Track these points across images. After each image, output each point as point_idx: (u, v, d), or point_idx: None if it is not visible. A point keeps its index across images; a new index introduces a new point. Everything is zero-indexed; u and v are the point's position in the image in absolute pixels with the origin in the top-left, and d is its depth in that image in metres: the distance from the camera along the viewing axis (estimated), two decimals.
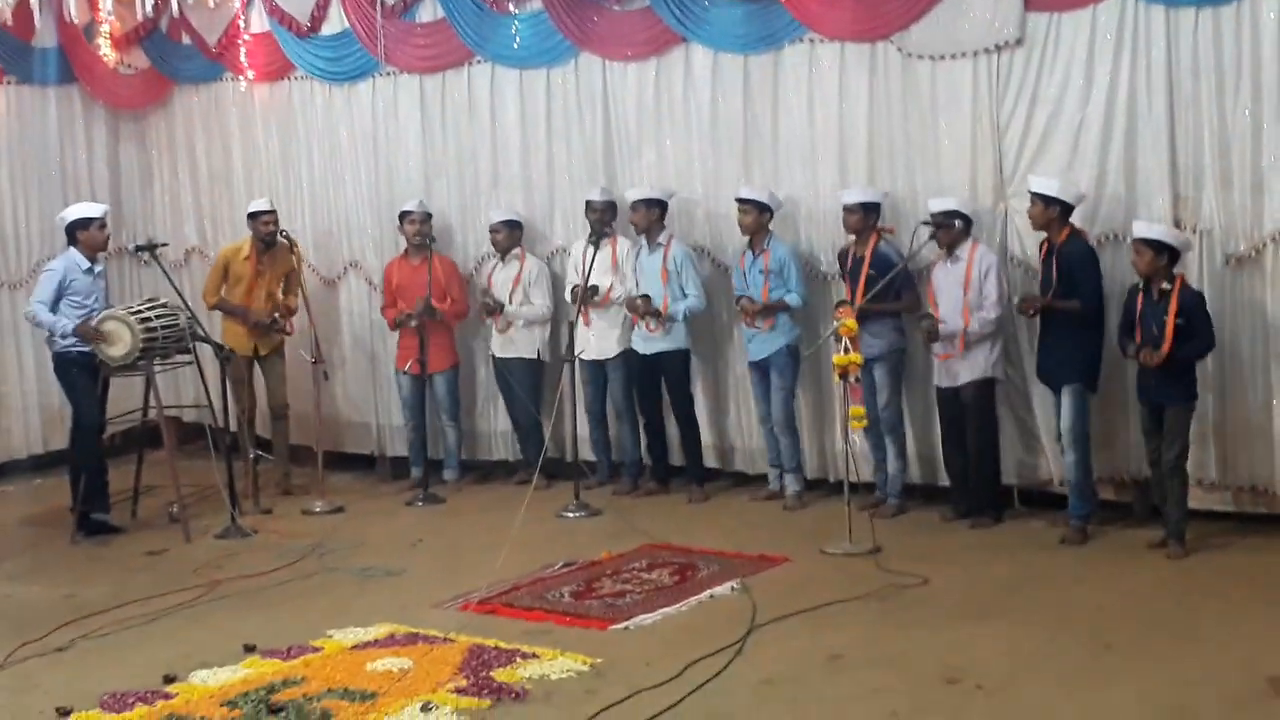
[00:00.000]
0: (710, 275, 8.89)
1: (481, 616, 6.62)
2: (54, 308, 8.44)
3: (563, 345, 8.93)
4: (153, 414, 8.75)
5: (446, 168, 9.74)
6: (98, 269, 8.65)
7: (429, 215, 9.36)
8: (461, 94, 9.62)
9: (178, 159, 11.01)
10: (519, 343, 9.24)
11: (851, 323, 7.52)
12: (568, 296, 9.04)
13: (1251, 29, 7.12)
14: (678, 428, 8.92)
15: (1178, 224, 7.33)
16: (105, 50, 10.80)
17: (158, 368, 8.63)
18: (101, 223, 8.70)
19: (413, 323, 9.12)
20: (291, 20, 10.07)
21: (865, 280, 7.88)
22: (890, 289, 7.84)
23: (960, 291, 7.65)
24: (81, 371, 8.53)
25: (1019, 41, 7.72)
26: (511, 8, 9.24)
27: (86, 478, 8.53)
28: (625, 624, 6.43)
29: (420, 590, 7.11)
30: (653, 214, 8.68)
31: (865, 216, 8.00)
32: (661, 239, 8.71)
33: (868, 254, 7.97)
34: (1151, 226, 7.05)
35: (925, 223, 7.68)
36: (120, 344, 8.28)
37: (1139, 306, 7.05)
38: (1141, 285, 7.06)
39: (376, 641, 6.29)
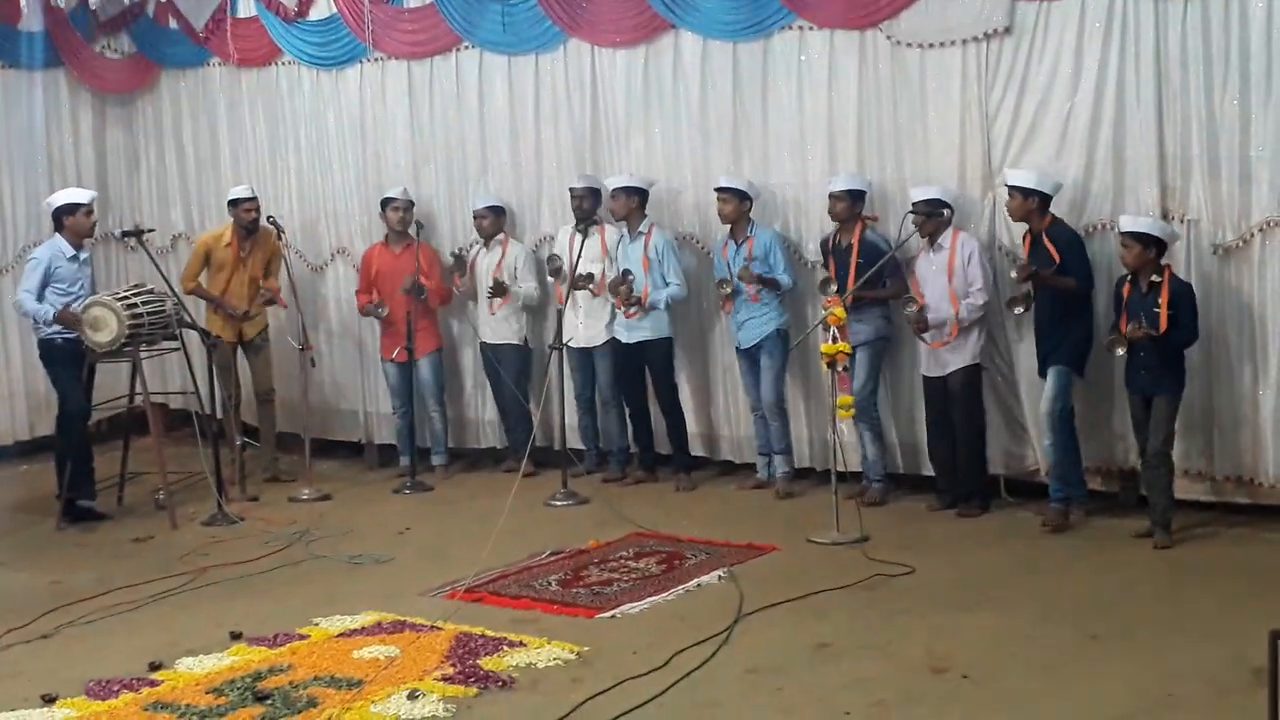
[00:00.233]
0: (696, 263, 8.89)
1: (469, 605, 6.61)
2: (40, 295, 8.41)
3: (549, 332, 8.93)
4: (139, 400, 8.72)
5: (434, 154, 9.71)
6: (83, 255, 8.62)
7: (412, 203, 9.34)
8: (450, 80, 9.58)
9: (164, 144, 10.96)
10: (506, 329, 9.22)
11: (840, 311, 7.52)
12: (550, 277, 9.02)
13: (1240, 19, 7.12)
14: (662, 416, 8.92)
15: (1165, 214, 7.33)
16: (91, 35, 10.72)
17: (144, 354, 8.61)
18: (88, 209, 8.66)
19: (381, 312, 9.10)
20: (279, 5, 10.02)
21: (855, 268, 7.87)
22: (878, 277, 7.84)
23: (945, 279, 7.66)
24: (67, 358, 8.50)
25: (1008, 30, 7.71)
26: None
27: (72, 464, 8.51)
28: (612, 613, 6.43)
29: (407, 578, 7.11)
30: (632, 202, 8.67)
31: (852, 204, 8.00)
32: (643, 227, 8.70)
33: (855, 242, 7.97)
34: (1138, 220, 7.06)
35: (911, 212, 7.67)
36: (106, 330, 8.25)
37: (1126, 297, 7.06)
38: (1129, 277, 7.06)
39: (363, 629, 6.29)
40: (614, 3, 8.89)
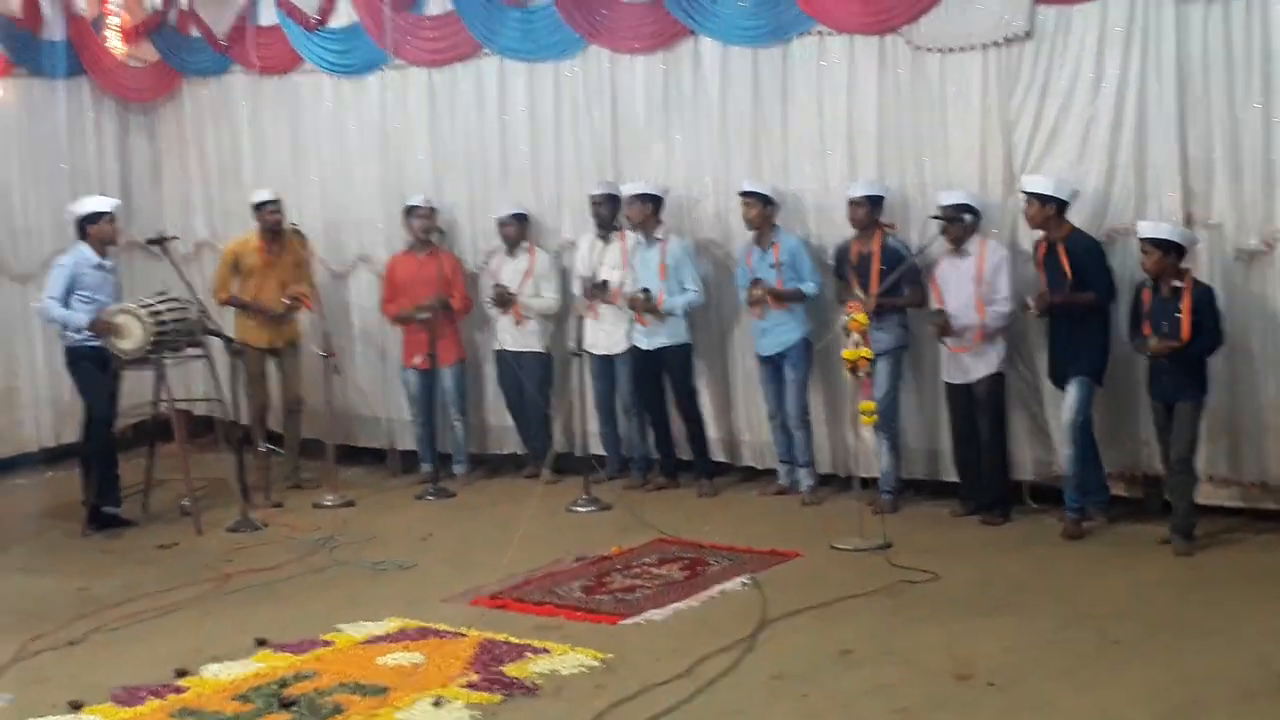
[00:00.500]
0: (716, 269, 8.90)
1: (492, 611, 6.63)
2: (65, 302, 8.46)
3: (570, 339, 8.95)
4: (163, 407, 8.76)
5: (455, 161, 9.74)
6: (108, 263, 8.67)
7: (434, 210, 9.36)
8: (470, 87, 9.62)
9: (187, 152, 11.02)
10: (529, 336, 9.24)
11: (862, 317, 7.51)
12: (575, 290, 9.05)
13: (1261, 22, 7.11)
14: (683, 422, 8.93)
15: (1188, 219, 7.32)
16: (114, 43, 10.82)
17: (168, 361, 8.64)
18: (112, 217, 8.72)
19: (421, 315, 9.13)
20: (300, 13, 10.07)
21: (878, 275, 7.86)
22: (897, 284, 7.83)
23: (972, 286, 7.63)
24: (93, 365, 8.55)
25: (1028, 35, 7.71)
26: (520, 0, 9.23)
27: (98, 471, 8.56)
28: (636, 619, 6.44)
29: (431, 584, 7.13)
30: (647, 209, 8.68)
31: (871, 209, 7.99)
32: (659, 234, 8.72)
33: (876, 249, 7.96)
34: (1157, 226, 7.02)
35: (936, 217, 7.66)
36: (131, 337, 8.29)
37: (1147, 303, 7.04)
38: (1150, 282, 7.04)
39: (388, 636, 6.31)
40: (633, 9, 8.92)
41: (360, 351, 10.20)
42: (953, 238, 7.66)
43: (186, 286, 8.84)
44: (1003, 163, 7.83)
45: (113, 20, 10.77)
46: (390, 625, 6.43)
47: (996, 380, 7.71)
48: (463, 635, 6.24)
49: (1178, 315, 6.89)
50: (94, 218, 8.63)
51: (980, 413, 7.75)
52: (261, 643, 6.24)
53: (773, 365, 8.46)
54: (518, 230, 9.21)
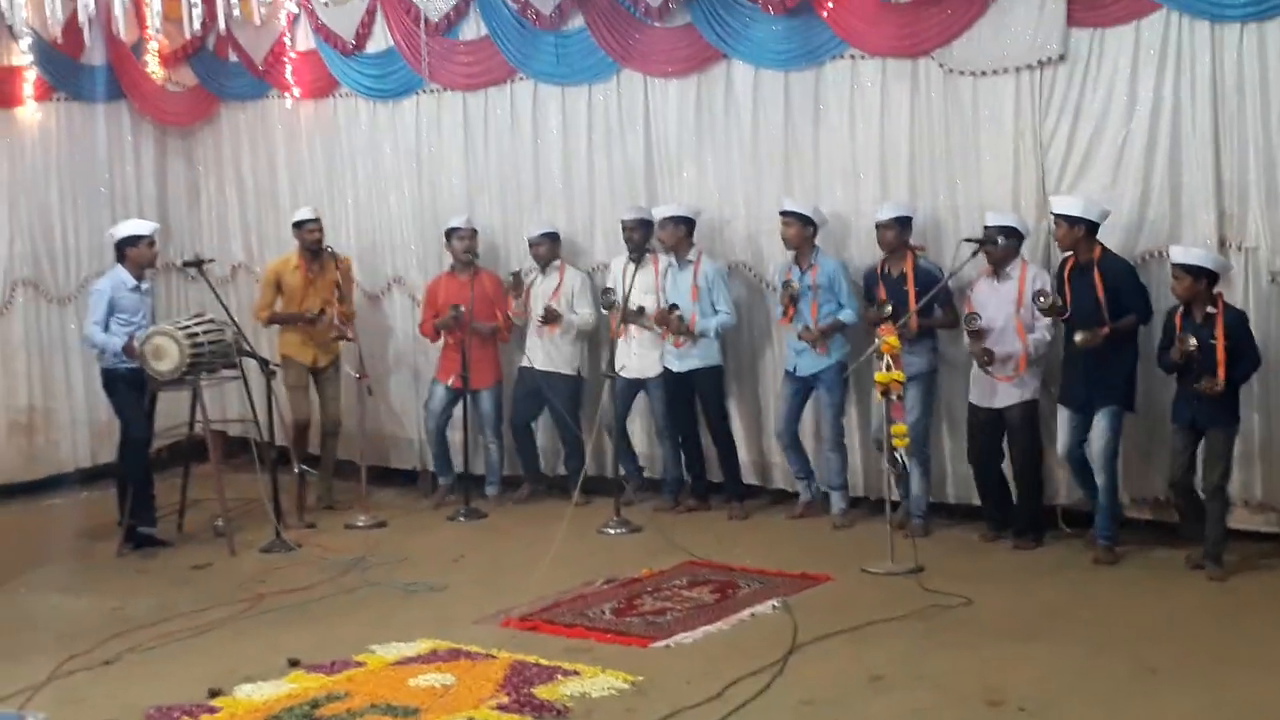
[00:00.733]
0: (747, 292, 8.90)
1: (523, 633, 6.65)
2: (106, 326, 8.55)
3: (602, 361, 8.98)
4: (199, 428, 8.83)
5: (489, 184, 9.79)
6: (144, 286, 8.75)
7: (475, 231, 9.41)
8: (504, 111, 9.67)
9: (224, 176, 11.13)
10: (560, 357, 9.26)
11: (894, 340, 7.49)
12: (604, 311, 9.07)
13: None
14: (714, 444, 8.92)
15: (1223, 241, 7.28)
16: (153, 68, 10.95)
17: (204, 382, 8.70)
18: (150, 240, 8.80)
19: (460, 309, 9.07)
20: (337, 38, 10.16)
21: (914, 297, 7.84)
22: (930, 306, 7.81)
23: (1012, 310, 7.58)
24: (129, 386, 8.63)
25: (1062, 57, 7.69)
26: (554, 25, 9.29)
27: (133, 491, 8.63)
28: (666, 642, 6.44)
29: (462, 606, 7.15)
30: (680, 231, 8.70)
31: (900, 232, 7.98)
32: (691, 256, 8.73)
33: (909, 271, 7.95)
34: (1188, 251, 6.96)
35: (968, 239, 7.64)
36: (168, 359, 8.36)
37: (1179, 327, 6.98)
38: (1182, 307, 6.98)
39: (419, 657, 6.33)
40: (666, 33, 8.96)
41: (394, 373, 10.25)
42: (994, 260, 7.61)
43: (223, 308, 8.92)
44: (1036, 186, 7.81)
45: (152, 45, 10.88)
46: (422, 646, 6.45)
47: (1030, 407, 7.65)
48: (494, 657, 6.25)
49: (1212, 342, 6.81)
50: (132, 241, 8.72)
51: (1013, 439, 7.71)
52: (294, 663, 6.27)
53: (802, 384, 8.44)
54: (549, 249, 9.24)
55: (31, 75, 10.38)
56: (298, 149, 10.65)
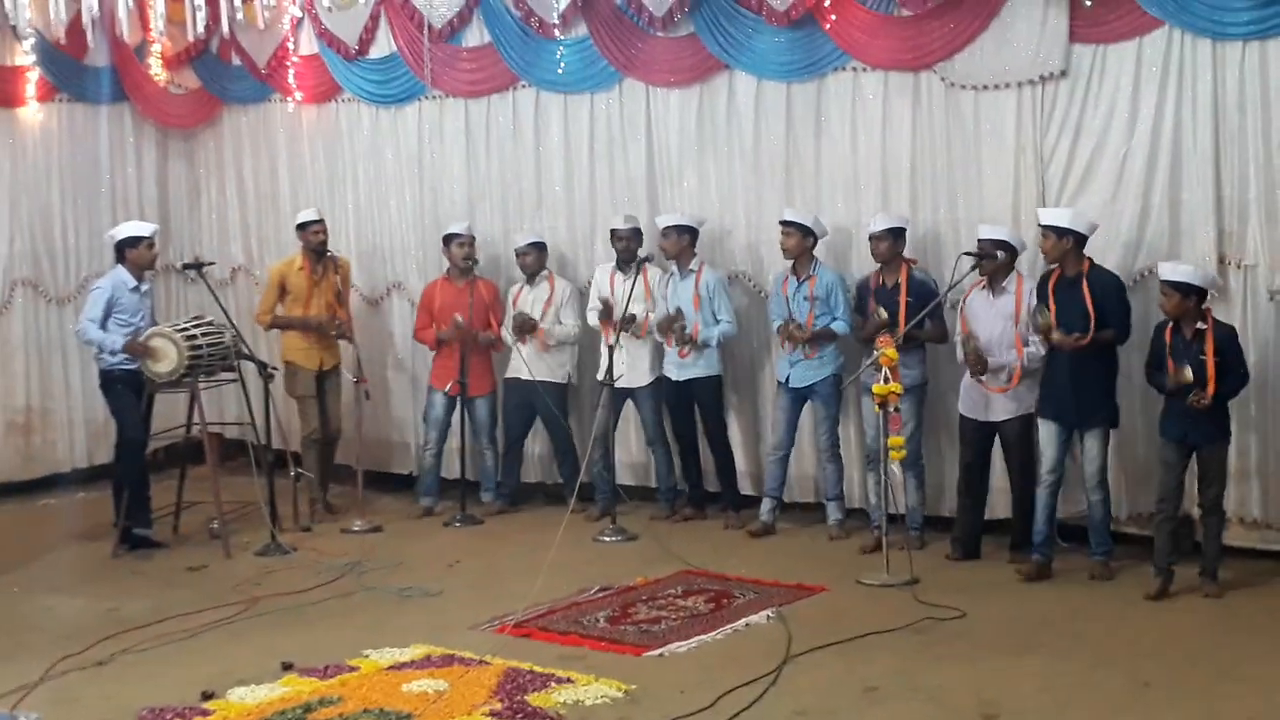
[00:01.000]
0: (748, 302, 8.91)
1: (517, 640, 6.64)
2: (102, 325, 8.55)
3: (590, 371, 9.03)
4: (196, 430, 8.83)
5: (490, 191, 9.81)
6: (144, 287, 8.76)
7: (474, 238, 9.41)
8: (506, 118, 9.69)
9: (225, 178, 11.14)
10: (549, 366, 9.25)
11: (892, 352, 7.49)
12: (590, 320, 9.06)
13: None
14: (711, 454, 8.92)
15: (1222, 259, 7.29)
16: (156, 70, 10.97)
17: (202, 384, 8.71)
18: (150, 242, 8.81)
19: (460, 319, 9.08)
20: (340, 43, 10.18)
21: (906, 308, 7.86)
22: (923, 319, 7.81)
23: (1009, 324, 7.59)
24: (126, 388, 8.63)
25: (1063, 73, 7.71)
26: (557, 33, 9.31)
27: (129, 492, 8.63)
28: (660, 651, 6.43)
29: (457, 612, 7.14)
30: (683, 240, 8.71)
31: (894, 243, 7.98)
32: (693, 265, 8.74)
33: (903, 282, 7.95)
34: (1176, 268, 6.94)
35: (967, 253, 7.64)
36: (166, 361, 8.37)
37: (1169, 343, 6.96)
38: (1171, 323, 6.97)
39: (413, 662, 6.32)
40: (669, 43, 8.97)
41: (392, 378, 10.25)
42: (988, 273, 7.62)
43: (222, 311, 8.92)
44: (1036, 201, 7.81)
45: (155, 48, 10.92)
46: (415, 652, 6.45)
47: (1027, 421, 7.63)
48: (487, 663, 6.25)
49: (1202, 358, 6.80)
50: (133, 242, 8.73)
51: (1009, 453, 7.71)
52: (288, 667, 6.27)
53: (796, 397, 8.44)
54: (536, 259, 9.24)
55: (34, 76, 10.42)
56: (299, 153, 10.67)
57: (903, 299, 7.90)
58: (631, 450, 9.37)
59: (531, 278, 9.27)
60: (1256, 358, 7.20)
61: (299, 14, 10.33)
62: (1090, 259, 7.29)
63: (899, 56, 8.20)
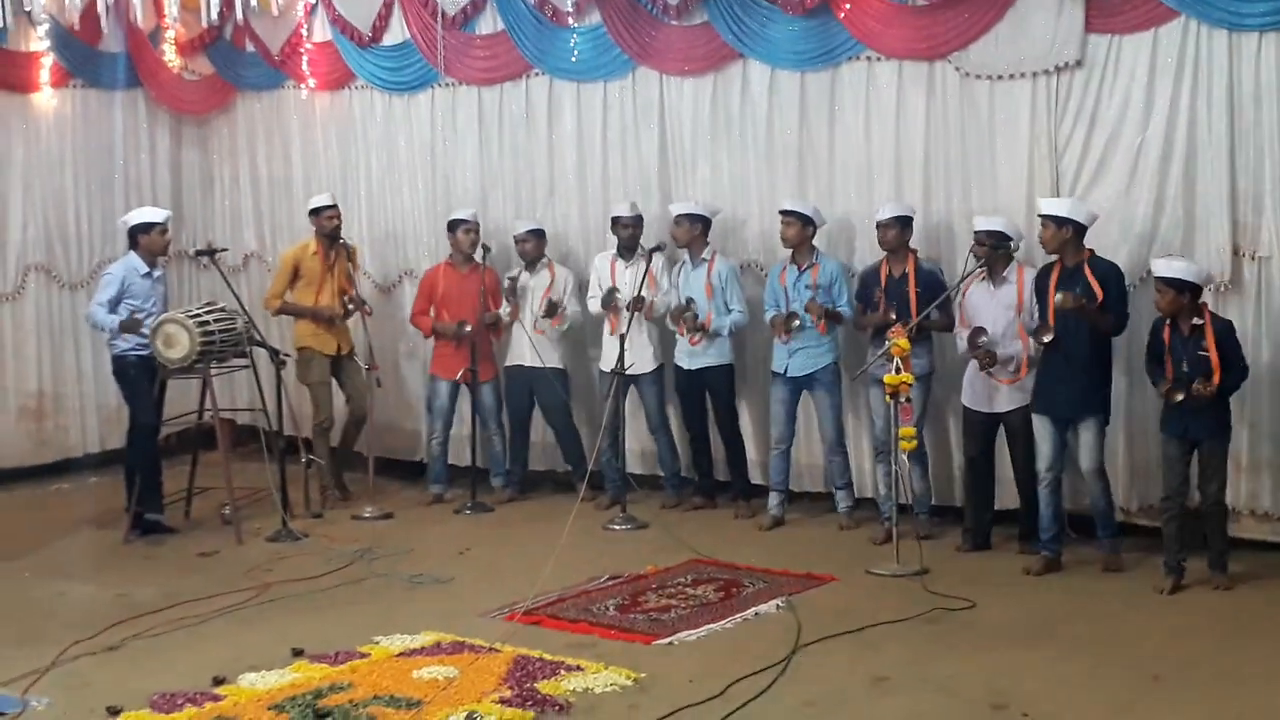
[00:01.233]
0: (760, 291, 8.89)
1: (527, 627, 6.65)
2: (113, 310, 8.56)
3: (588, 357, 9.07)
4: (208, 416, 8.86)
5: (503, 179, 9.81)
6: (156, 273, 8.77)
7: (479, 224, 9.41)
8: (519, 106, 9.68)
9: (239, 165, 11.15)
10: (548, 353, 9.23)
11: (904, 342, 7.47)
12: (592, 308, 9.06)
13: None
14: (722, 443, 8.92)
15: (1236, 250, 7.26)
16: (170, 56, 10.98)
17: (214, 371, 8.73)
18: (163, 228, 8.82)
19: (466, 328, 9.14)
20: (353, 30, 10.17)
21: (916, 298, 7.83)
22: (925, 307, 7.78)
23: (1012, 314, 7.56)
24: (139, 373, 8.65)
25: (1079, 63, 7.68)
26: (571, 21, 9.30)
27: (141, 478, 8.65)
28: (670, 639, 6.44)
29: (467, 599, 7.16)
30: (695, 229, 8.70)
31: (901, 231, 7.96)
32: (705, 254, 8.73)
33: (911, 272, 7.93)
34: (1170, 264, 6.89)
35: (980, 243, 7.61)
36: (179, 347, 8.39)
37: (1166, 341, 6.92)
38: (1168, 320, 6.93)
39: (423, 649, 6.34)
40: (682, 32, 8.95)
41: (404, 365, 10.26)
42: (988, 262, 7.57)
43: (234, 297, 8.94)
44: (1050, 191, 7.77)
45: (169, 34, 10.93)
46: (425, 639, 6.46)
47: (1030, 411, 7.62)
48: (497, 651, 6.26)
49: (1201, 354, 6.76)
50: (145, 228, 8.74)
51: (1014, 443, 7.68)
52: (298, 653, 6.29)
53: (794, 387, 8.41)
54: (535, 246, 9.22)
55: (49, 61, 10.42)
56: (312, 140, 10.67)
57: (912, 289, 7.88)
58: (642, 439, 9.37)
59: (531, 265, 9.26)
60: (1270, 350, 7.18)
61: (312, 1, 10.32)
62: (1091, 249, 7.25)
63: (913, 46, 8.17)
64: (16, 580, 7.81)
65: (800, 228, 8.26)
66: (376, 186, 10.36)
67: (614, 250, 8.99)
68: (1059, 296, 7.10)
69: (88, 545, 8.63)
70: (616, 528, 8.54)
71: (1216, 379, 6.72)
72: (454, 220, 9.41)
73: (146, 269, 8.69)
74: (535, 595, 7.00)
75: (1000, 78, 7.93)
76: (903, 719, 5.42)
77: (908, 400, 7.55)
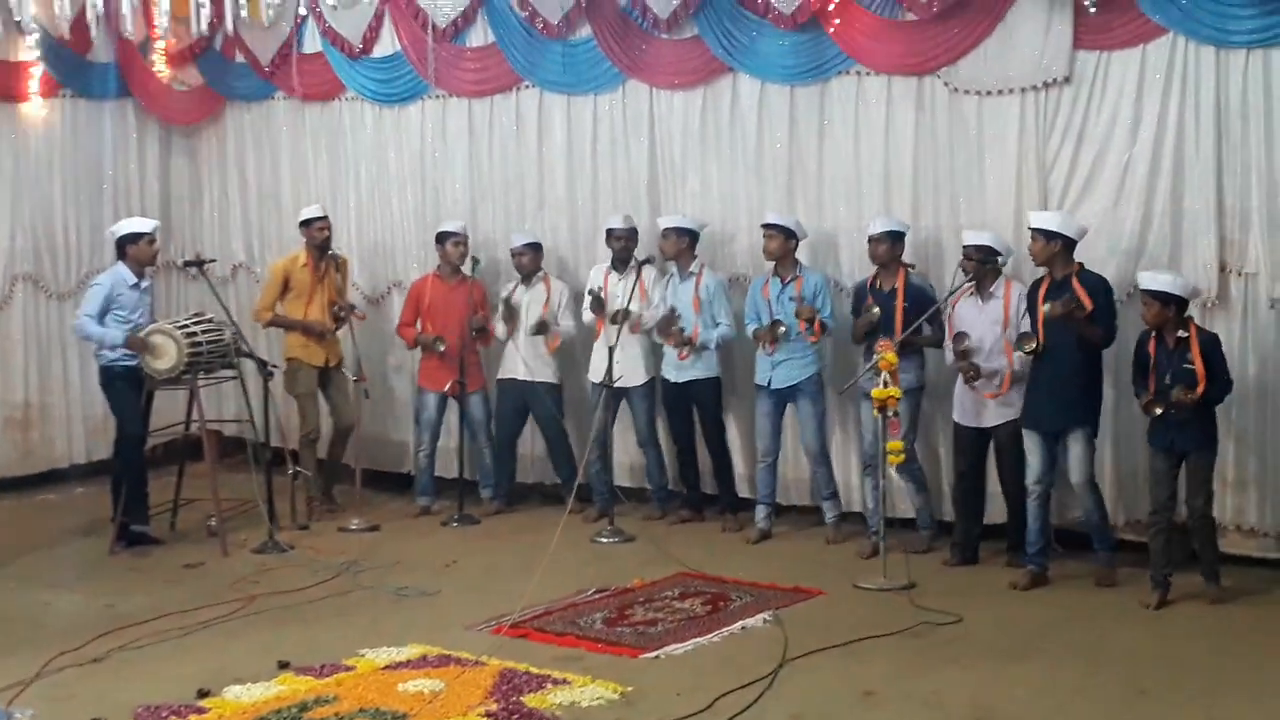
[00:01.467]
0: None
1: (514, 640, 6.64)
2: (99, 321, 8.54)
3: (580, 369, 9.06)
4: (195, 427, 8.83)
5: (493, 191, 9.81)
6: (144, 284, 8.75)
7: (468, 237, 9.40)
8: (509, 118, 9.69)
9: (228, 176, 11.14)
10: (541, 367, 9.24)
11: (892, 356, 7.48)
12: (584, 317, 9.06)
13: None
14: (709, 456, 8.92)
15: (1223, 266, 7.29)
16: (160, 66, 10.97)
17: (201, 382, 8.71)
18: (151, 238, 8.80)
19: (440, 346, 9.13)
20: (344, 41, 10.18)
21: (902, 313, 7.85)
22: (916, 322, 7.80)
23: (999, 330, 7.58)
24: (126, 384, 8.62)
25: (1067, 79, 7.71)
26: (561, 33, 9.31)
27: (127, 489, 8.62)
28: (657, 653, 6.43)
29: (453, 611, 7.14)
30: (683, 242, 8.70)
31: (892, 246, 7.97)
32: (693, 268, 8.74)
33: (900, 286, 7.94)
34: (1156, 277, 6.92)
35: (969, 258, 7.62)
36: (166, 357, 8.37)
37: (1152, 354, 6.94)
38: (1154, 332, 6.95)
39: (409, 662, 6.32)
40: (673, 45, 8.97)
41: (392, 376, 10.25)
42: (976, 277, 7.59)
43: (222, 308, 8.92)
44: (1038, 207, 7.78)
45: (159, 44, 10.92)
46: (412, 652, 6.44)
47: (1018, 426, 7.61)
48: (483, 664, 6.24)
49: (1186, 366, 6.78)
50: (133, 238, 8.72)
51: (1001, 458, 7.70)
52: (284, 665, 6.26)
53: (778, 400, 8.41)
54: (532, 259, 9.22)
55: (38, 71, 10.42)
56: (302, 151, 10.66)
57: (899, 304, 7.89)
58: (630, 451, 9.37)
59: (527, 278, 9.26)
60: (1256, 366, 7.20)
61: (303, 12, 10.32)
62: (1080, 263, 7.26)
63: (903, 61, 8.20)
64: (1, 591, 7.77)
65: (782, 240, 8.28)
66: (366, 198, 10.35)
67: (609, 262, 8.99)
68: (1048, 305, 7.13)
69: (73, 556, 8.60)
70: (604, 540, 8.53)
71: (1201, 389, 6.73)
72: (443, 232, 9.41)
73: (134, 279, 8.67)
74: (522, 608, 6.98)
75: (989, 93, 7.96)
76: None
77: (895, 414, 7.55)
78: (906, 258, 8.08)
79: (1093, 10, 7.49)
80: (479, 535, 8.95)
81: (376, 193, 10.30)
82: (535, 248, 9.24)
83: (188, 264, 9.52)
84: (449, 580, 7.82)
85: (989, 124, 7.98)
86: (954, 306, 7.72)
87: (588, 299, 8.97)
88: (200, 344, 8.50)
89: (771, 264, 8.38)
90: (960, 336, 7.56)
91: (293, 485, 9.22)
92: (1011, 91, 7.87)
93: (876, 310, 7.82)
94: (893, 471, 7.74)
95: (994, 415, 7.63)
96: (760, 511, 8.55)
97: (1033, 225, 7.30)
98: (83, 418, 10.63)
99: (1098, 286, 7.21)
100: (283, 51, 10.49)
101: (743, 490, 8.97)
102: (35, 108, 10.49)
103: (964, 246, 7.62)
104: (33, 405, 10.54)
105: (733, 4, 8.65)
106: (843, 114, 8.47)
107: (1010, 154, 7.91)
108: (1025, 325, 7.38)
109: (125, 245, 8.71)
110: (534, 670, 6.12)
